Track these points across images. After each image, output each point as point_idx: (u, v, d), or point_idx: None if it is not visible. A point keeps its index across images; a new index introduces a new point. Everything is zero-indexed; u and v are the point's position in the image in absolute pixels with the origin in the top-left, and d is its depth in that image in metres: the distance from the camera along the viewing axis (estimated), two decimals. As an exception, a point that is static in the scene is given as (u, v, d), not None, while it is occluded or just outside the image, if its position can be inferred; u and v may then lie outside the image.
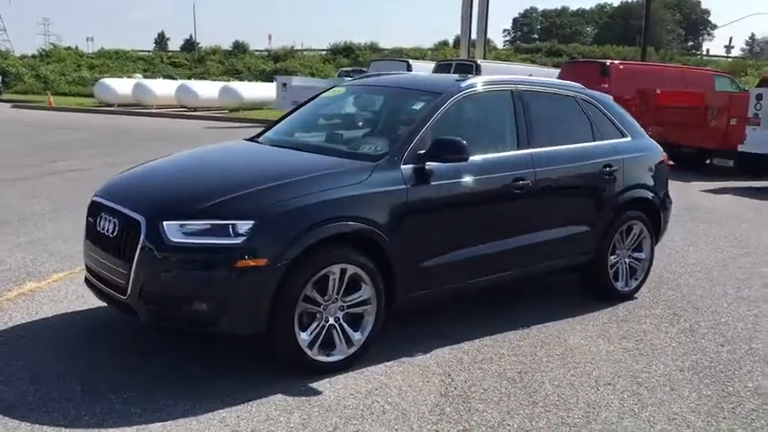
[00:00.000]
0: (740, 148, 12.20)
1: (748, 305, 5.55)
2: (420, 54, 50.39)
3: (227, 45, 60.68)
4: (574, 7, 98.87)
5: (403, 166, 4.21)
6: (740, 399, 3.91)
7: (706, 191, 11.51)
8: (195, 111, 27.37)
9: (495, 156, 4.71)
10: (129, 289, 3.75)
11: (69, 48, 55.45)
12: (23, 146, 15.13)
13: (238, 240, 3.64)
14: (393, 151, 4.27)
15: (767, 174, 12.73)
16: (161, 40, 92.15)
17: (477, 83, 4.82)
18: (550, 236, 4.97)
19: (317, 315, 3.92)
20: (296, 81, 24.58)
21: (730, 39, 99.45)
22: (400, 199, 4.13)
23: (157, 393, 3.67)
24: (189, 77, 41.64)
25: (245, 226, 3.66)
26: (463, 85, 4.75)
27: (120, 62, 52.51)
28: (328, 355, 3.97)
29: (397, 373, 4.06)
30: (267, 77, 44.79)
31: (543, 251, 4.97)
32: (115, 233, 3.90)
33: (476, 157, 4.44)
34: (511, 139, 4.87)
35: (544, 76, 12.43)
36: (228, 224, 3.66)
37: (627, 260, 5.56)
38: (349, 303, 4.01)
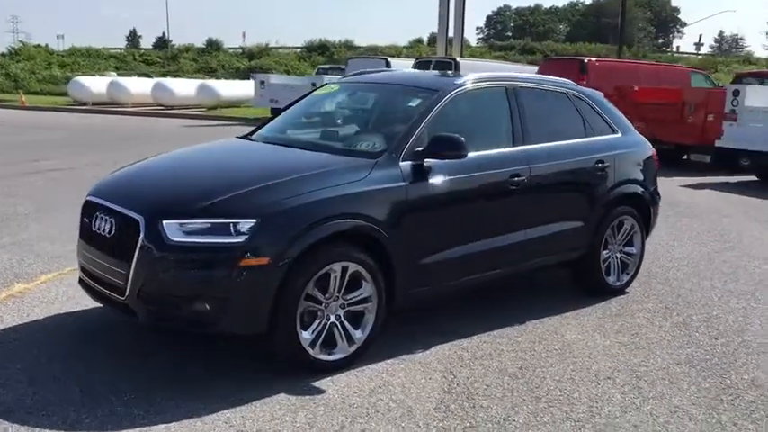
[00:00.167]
0: (717, 143, 12.35)
1: (737, 298, 5.63)
2: (395, 52, 50.22)
3: (200, 43, 60.11)
4: (547, 5, 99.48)
5: (402, 164, 4.20)
6: (738, 391, 3.96)
7: (685, 186, 11.65)
8: (172, 109, 27.06)
9: (491, 152, 4.72)
10: (128, 289, 3.70)
11: (39, 46, 54.49)
12: (-2, 145, 14.87)
13: (240, 239, 3.60)
14: (392, 148, 4.26)
15: (743, 169, 12.95)
16: (133, 38, 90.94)
17: (473, 79, 4.83)
18: (545, 232, 4.99)
19: (319, 313, 3.90)
20: (274, 79, 24.47)
21: (700, 36, 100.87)
22: (400, 196, 4.12)
23: (158, 394, 3.63)
24: (162, 75, 41.16)
25: (246, 224, 3.62)
26: (459, 81, 4.76)
27: (91, 60, 51.74)
28: (330, 354, 3.95)
29: (398, 370, 4.05)
30: (242, 75, 44.47)
31: (538, 247, 4.99)
32: (112, 233, 3.84)
33: (472, 154, 4.44)
34: (506, 135, 4.88)
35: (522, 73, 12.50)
36: (229, 223, 3.63)
37: (618, 255, 5.61)
38: (350, 301, 4.00)
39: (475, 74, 4.97)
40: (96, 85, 29.25)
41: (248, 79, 33.60)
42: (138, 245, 3.65)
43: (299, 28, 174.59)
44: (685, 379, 4.09)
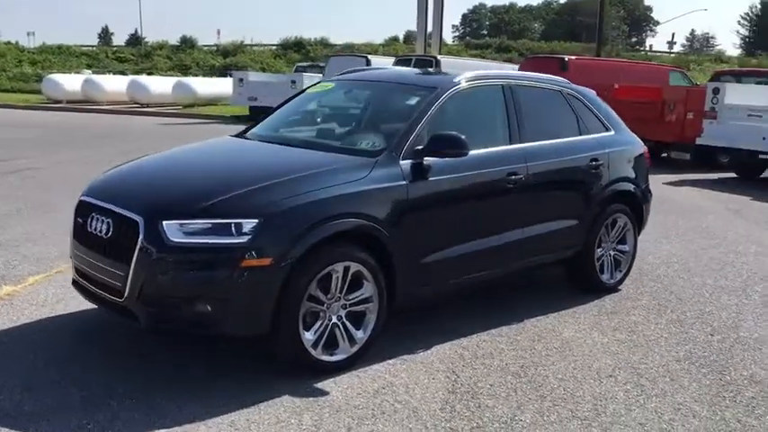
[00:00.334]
0: (698, 141, 12.49)
1: (728, 295, 5.68)
2: (372, 49, 50.08)
3: (174, 40, 59.55)
4: (521, 3, 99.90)
5: (402, 162, 4.17)
6: (738, 387, 3.98)
7: (667, 183, 11.75)
8: (148, 107, 26.75)
9: (489, 150, 4.70)
10: (127, 291, 3.62)
11: (9, 43, 53.58)
12: (-28, 144, 14.57)
13: (243, 239, 3.54)
14: (391, 147, 4.22)
15: (722, 166, 13.13)
16: (105, 35, 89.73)
17: (470, 77, 4.80)
18: (541, 230, 4.99)
19: (321, 314, 3.85)
20: (252, 77, 24.30)
21: (672, 35, 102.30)
22: (401, 195, 4.09)
23: (159, 397, 3.57)
24: (136, 73, 40.67)
25: (249, 225, 3.56)
26: (456, 79, 4.73)
27: (63, 57, 50.98)
28: (332, 355, 3.91)
29: (400, 370, 4.02)
30: (217, 73, 44.10)
31: (535, 245, 4.99)
32: (110, 234, 3.76)
33: (471, 152, 4.40)
34: (503, 133, 4.87)
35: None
36: (231, 223, 3.57)
37: (612, 253, 5.63)
38: (351, 301, 3.96)
39: (471, 72, 4.94)
40: (71, 82, 28.80)
41: (225, 77, 33.34)
42: (138, 246, 3.57)
43: (274, 25, 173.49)
44: (685, 376, 4.11)
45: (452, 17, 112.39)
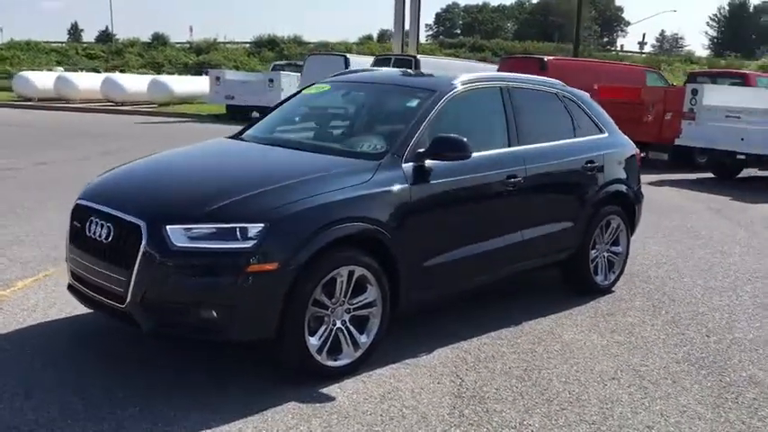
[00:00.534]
0: (677, 141, 12.66)
1: (719, 295, 5.74)
2: (346, 48, 50.07)
3: (146, 37, 59.01)
4: (494, 3, 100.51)
5: (404, 165, 4.14)
6: (739, 389, 4.02)
7: (648, 183, 11.79)
8: (122, 105, 26.41)
9: (489, 153, 4.69)
10: (129, 297, 3.54)
11: (-24, 39, 52.66)
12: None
13: (248, 244, 3.49)
14: (394, 150, 4.19)
15: (699, 166, 13.31)
16: (75, 32, 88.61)
17: (469, 80, 4.79)
18: (539, 232, 5.00)
19: (325, 319, 3.81)
20: (229, 75, 24.11)
21: (643, 35, 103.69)
22: (404, 198, 4.06)
23: (163, 404, 3.50)
24: (107, 70, 40.15)
25: (254, 229, 3.51)
26: (456, 81, 4.71)
27: (31, 54, 50.16)
28: (336, 360, 3.87)
29: (405, 375, 3.99)
30: (190, 70, 43.71)
31: (534, 248, 5.00)
32: (110, 239, 3.68)
33: (472, 155, 4.40)
34: (502, 135, 4.87)
35: (483, 71, 12.53)
36: (236, 227, 3.51)
37: (605, 254, 5.66)
38: (355, 306, 3.92)
39: (468, 74, 4.94)
40: (42, 80, 28.36)
41: (199, 74, 33.06)
42: (140, 251, 3.50)
43: (246, 22, 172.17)
44: (686, 378, 4.14)
45: (426, 16, 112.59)
